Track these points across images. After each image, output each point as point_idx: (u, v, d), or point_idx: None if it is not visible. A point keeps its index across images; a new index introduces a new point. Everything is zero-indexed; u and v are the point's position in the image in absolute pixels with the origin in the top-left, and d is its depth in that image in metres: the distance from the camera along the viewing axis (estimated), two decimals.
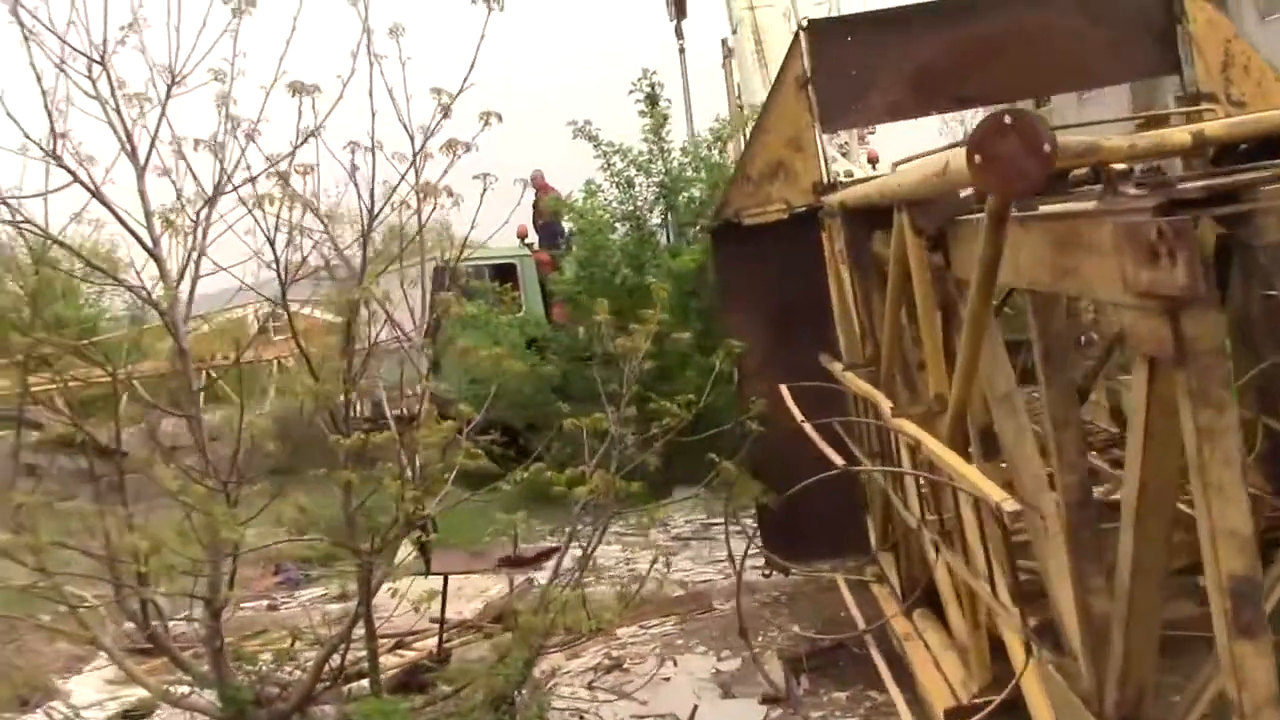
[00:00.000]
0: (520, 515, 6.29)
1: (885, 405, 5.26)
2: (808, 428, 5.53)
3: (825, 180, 7.66)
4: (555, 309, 16.31)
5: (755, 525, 7.78)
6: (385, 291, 6.40)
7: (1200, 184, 2.86)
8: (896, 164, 6.38)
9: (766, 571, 8.03)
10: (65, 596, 5.76)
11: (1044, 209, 3.54)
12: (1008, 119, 3.13)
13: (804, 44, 7.75)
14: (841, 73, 7.66)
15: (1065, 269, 3.41)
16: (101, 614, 6.13)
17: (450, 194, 5.70)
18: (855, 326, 6.69)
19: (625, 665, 7.35)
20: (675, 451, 6.76)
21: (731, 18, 22.08)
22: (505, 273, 15.88)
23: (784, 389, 6.35)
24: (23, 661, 8.69)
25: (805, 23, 7.92)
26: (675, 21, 24.51)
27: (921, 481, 5.02)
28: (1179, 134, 4.54)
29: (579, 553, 6.42)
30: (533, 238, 18.90)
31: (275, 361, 18.63)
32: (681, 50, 24.36)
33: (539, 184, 18.02)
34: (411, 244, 6.36)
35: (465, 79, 5.66)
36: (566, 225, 17.12)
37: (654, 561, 6.57)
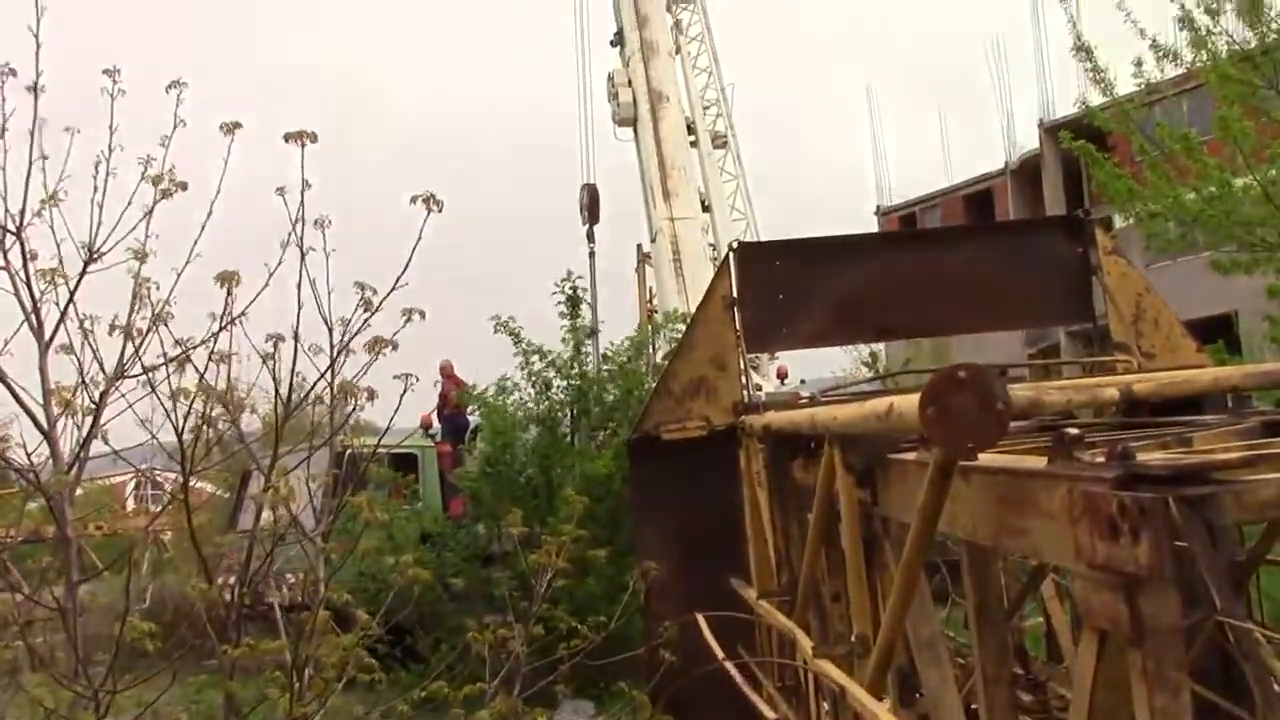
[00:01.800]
0: None
1: (805, 643, 5.08)
2: (729, 666, 5.31)
3: (746, 401, 7.62)
4: (453, 503, 16.02)
5: None
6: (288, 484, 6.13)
7: (1166, 461, 2.81)
8: (826, 393, 6.37)
9: None
10: None
11: (989, 461, 3.48)
12: (963, 374, 3.08)
13: (733, 265, 7.83)
14: (768, 296, 7.74)
15: (1010, 527, 3.32)
16: None
17: (371, 396, 5.51)
18: (769, 552, 6.55)
19: None
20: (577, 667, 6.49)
21: (651, 226, 22.73)
22: (405, 462, 15.60)
23: (700, 619, 6.13)
24: None
25: (735, 244, 8.02)
26: (587, 226, 25.22)
27: None
28: (1109, 390, 4.60)
29: None
30: (436, 428, 18.72)
31: (152, 535, 17.89)
32: (591, 254, 24.96)
33: (447, 374, 17.94)
34: (315, 434, 6.15)
35: (397, 279, 5.53)
36: (472, 419, 16.97)
37: None
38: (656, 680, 6.55)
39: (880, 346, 23.56)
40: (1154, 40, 14.90)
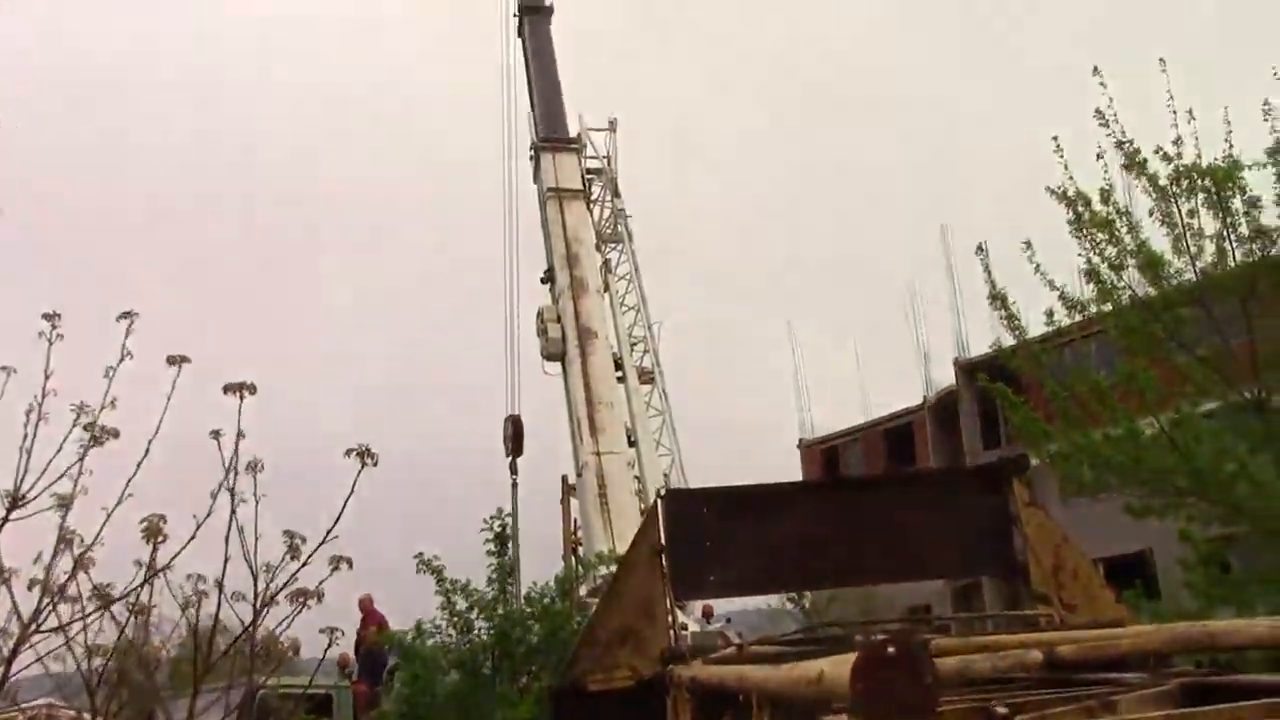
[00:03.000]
0: None
1: None
2: None
3: (674, 650, 7.55)
4: None
5: None
6: None
7: None
8: (754, 644, 6.35)
9: None
10: None
11: None
12: (891, 649, 3.14)
13: (660, 512, 7.88)
14: (695, 544, 7.78)
15: None
16: None
17: (295, 650, 5.42)
18: None
19: None
20: None
21: (577, 461, 22.84)
22: (321, 704, 15.07)
23: None
24: None
25: (663, 492, 8.10)
26: (510, 458, 25.27)
27: None
28: (1034, 653, 4.67)
29: None
30: (353, 666, 18.17)
31: None
32: (514, 485, 24.94)
33: (366, 609, 17.54)
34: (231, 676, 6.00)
35: (328, 532, 5.52)
36: (391, 658, 16.53)
37: None
38: None
39: None
40: (1062, 292, 15.65)
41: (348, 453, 5.61)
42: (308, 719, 12.39)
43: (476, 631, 13.95)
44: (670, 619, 7.77)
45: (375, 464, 5.60)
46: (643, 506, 19.96)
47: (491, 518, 14.80)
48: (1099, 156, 15.44)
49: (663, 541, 7.81)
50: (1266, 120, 14.72)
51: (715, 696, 6.19)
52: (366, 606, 17.32)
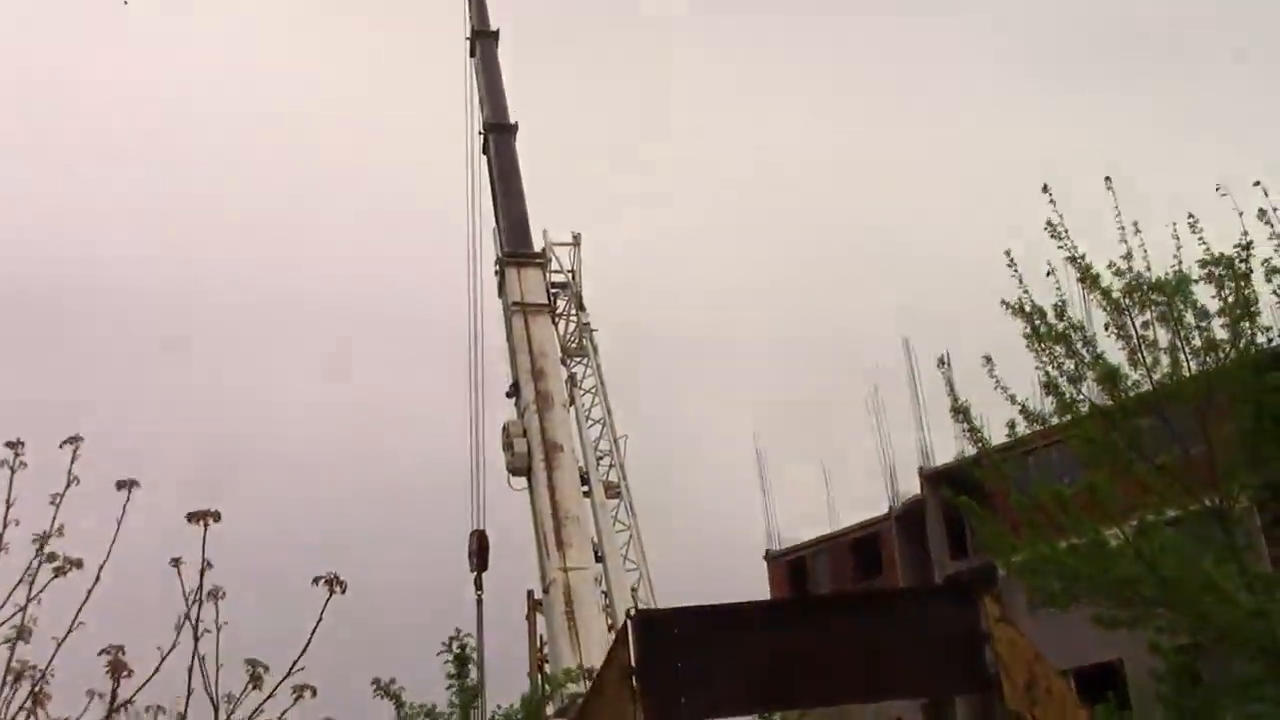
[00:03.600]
0: None
1: None
2: None
3: None
4: None
5: None
6: None
7: None
8: None
9: None
10: None
11: None
12: None
13: (631, 632, 7.81)
14: (667, 665, 7.70)
15: None
16: None
17: None
18: None
19: None
20: None
21: (544, 576, 22.62)
22: None
23: None
24: None
25: (633, 612, 8.04)
26: (475, 573, 24.97)
27: None
28: None
29: None
30: None
31: None
32: (479, 601, 24.60)
33: None
34: None
35: (293, 664, 5.44)
36: None
37: None
38: None
39: None
40: (1024, 406, 15.82)
41: (315, 580, 5.55)
42: None
43: None
44: None
45: (344, 592, 5.55)
46: (611, 623, 19.73)
47: (451, 639, 14.59)
48: (1049, 273, 15.76)
49: (633, 663, 7.74)
50: (1196, 234, 15.06)
51: None
52: None
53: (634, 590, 23.20)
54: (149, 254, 73.31)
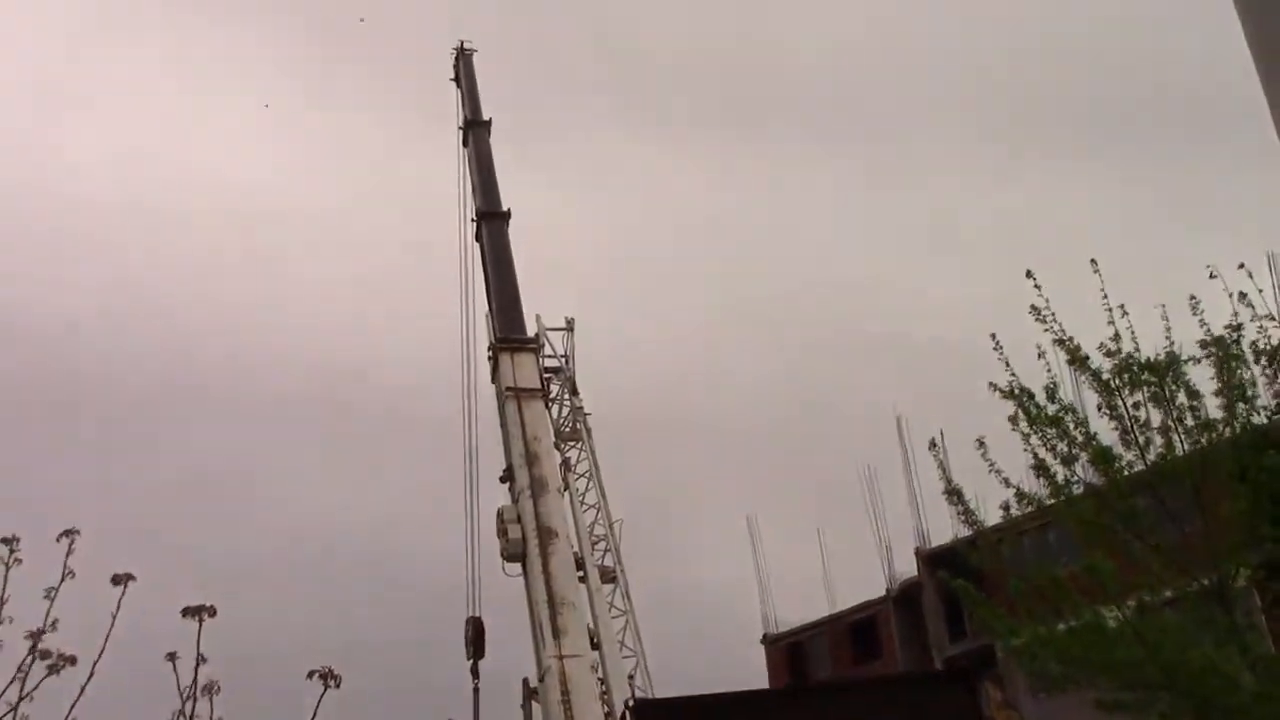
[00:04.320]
0: None
1: None
2: None
3: None
4: None
5: None
6: None
7: None
8: None
9: None
10: None
11: None
12: None
13: None
14: None
15: None
16: None
17: None
18: None
19: None
20: None
21: (539, 665, 22.39)
22: None
23: None
24: None
25: (631, 703, 8.00)
26: (472, 661, 24.74)
27: None
28: None
29: None
30: None
31: None
32: (476, 690, 24.32)
33: None
34: None
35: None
36: None
37: None
38: None
39: None
40: (1018, 488, 15.80)
41: (310, 674, 5.53)
42: None
43: None
44: None
45: (339, 686, 5.52)
46: (608, 711, 19.48)
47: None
48: (1040, 355, 15.81)
49: None
50: (1195, 316, 15.17)
51: None
52: None
53: (630, 677, 22.94)
54: (132, 345, 73.44)
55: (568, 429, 27.52)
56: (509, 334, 27.28)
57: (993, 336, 16.10)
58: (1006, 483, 15.69)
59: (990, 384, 15.97)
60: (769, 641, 46.78)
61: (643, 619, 25.03)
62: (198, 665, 5.55)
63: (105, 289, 73.12)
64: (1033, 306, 15.87)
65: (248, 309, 77.11)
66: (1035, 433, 15.64)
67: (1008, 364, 15.91)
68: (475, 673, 24.42)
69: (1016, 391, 15.84)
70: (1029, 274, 15.96)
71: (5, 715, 5.61)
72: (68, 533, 6.09)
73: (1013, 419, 15.72)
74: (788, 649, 46.36)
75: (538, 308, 28.38)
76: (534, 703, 24.09)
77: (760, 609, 47.20)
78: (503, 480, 25.76)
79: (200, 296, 76.27)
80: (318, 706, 5.54)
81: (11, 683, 5.64)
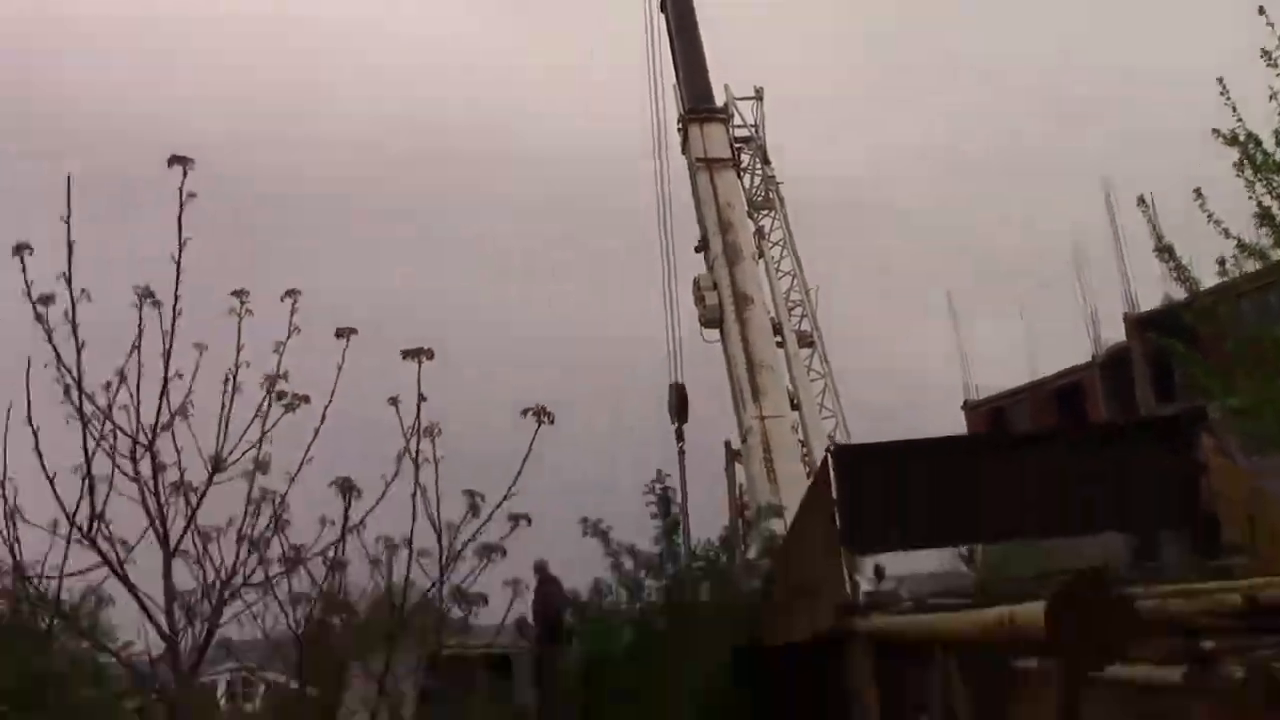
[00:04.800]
0: None
1: None
2: None
3: (851, 604, 7.57)
4: (549, 705, 15.75)
5: None
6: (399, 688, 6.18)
7: None
8: (931, 597, 6.32)
9: None
10: None
11: (1118, 673, 3.43)
12: (1086, 589, 3.09)
13: (831, 469, 7.88)
14: (869, 499, 7.76)
15: None
16: None
17: (484, 601, 5.61)
18: None
19: None
20: None
21: (741, 426, 22.87)
22: (500, 665, 15.47)
23: None
24: None
25: (833, 448, 8.09)
26: (676, 425, 25.41)
27: None
28: (1233, 597, 4.51)
29: None
30: (531, 628, 18.55)
31: None
32: (681, 452, 25.07)
33: (542, 573, 17.88)
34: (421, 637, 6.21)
35: (508, 490, 5.68)
36: (567, 620, 16.84)
37: None
38: None
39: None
40: (1239, 239, 14.91)
41: (524, 412, 5.74)
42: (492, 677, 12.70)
43: (647, 591, 14.11)
44: (845, 574, 7.77)
45: (552, 422, 5.73)
46: (808, 469, 19.85)
47: (653, 481, 14.94)
48: (1272, 97, 14.63)
49: (834, 498, 7.81)
50: None
51: (896, 647, 6.19)
52: (542, 570, 17.64)
53: (830, 438, 23.19)
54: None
55: (760, 198, 27.18)
56: (698, 105, 26.83)
57: (1219, 80, 14.97)
58: (1226, 233, 14.82)
59: (1213, 130, 14.94)
60: (970, 408, 46.40)
61: (840, 386, 25.11)
62: (419, 405, 5.83)
63: None
64: (1263, 50, 14.63)
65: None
66: (1260, 180, 14.63)
67: (1234, 109, 14.81)
68: (680, 436, 25.09)
69: (1242, 138, 14.78)
70: (1261, 10, 14.67)
71: (248, 451, 6.02)
72: (291, 293, 6.36)
73: (1238, 164, 14.71)
74: (989, 414, 45.92)
75: (725, 77, 27.72)
76: (736, 464, 24.74)
77: (961, 378, 46.71)
78: (698, 250, 25.85)
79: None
80: (532, 441, 5.76)
81: (252, 421, 6.04)
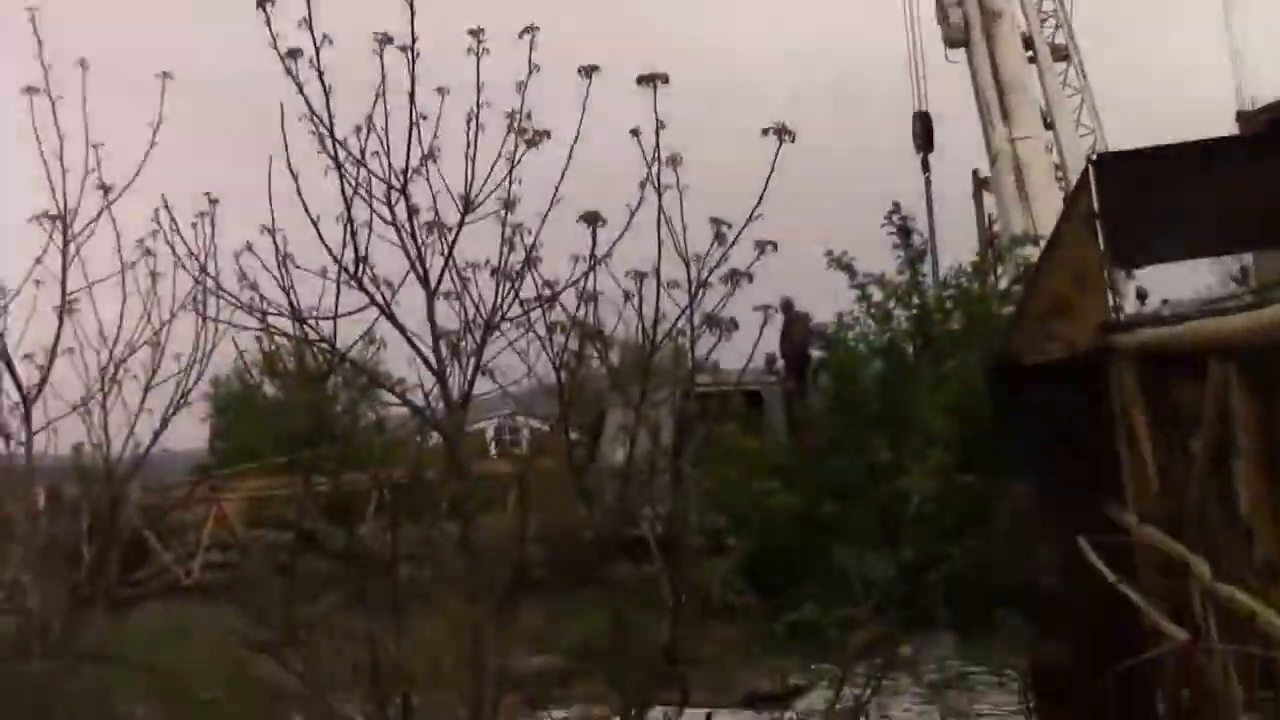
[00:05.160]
0: (791, 658, 6.05)
1: (1203, 569, 4.82)
2: (1129, 592, 5.11)
3: (1115, 320, 7.24)
4: (800, 437, 16.11)
5: (1026, 683, 7.28)
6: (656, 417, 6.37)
7: None
8: (1205, 308, 5.97)
9: None
10: (328, 705, 5.84)
11: None
12: None
13: (1093, 178, 7.42)
14: (1135, 208, 7.30)
15: None
16: None
17: (734, 326, 5.64)
18: (1149, 476, 6.22)
19: None
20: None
21: (990, 150, 21.90)
22: (751, 399, 15.80)
23: (1083, 543, 5.92)
24: None
25: (1095, 157, 7.60)
26: (921, 154, 24.58)
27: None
28: None
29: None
30: (779, 364, 18.84)
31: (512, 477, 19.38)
32: (927, 182, 24.32)
33: (787, 310, 18.00)
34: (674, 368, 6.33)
35: (753, 210, 5.60)
36: (814, 354, 16.99)
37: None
38: (1036, 607, 6.39)
39: (1249, 260, 21.77)
40: None
41: (764, 131, 5.60)
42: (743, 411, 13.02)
43: (895, 321, 14.04)
44: (1108, 287, 7.41)
45: (793, 140, 5.57)
46: (1063, 189, 18.94)
47: (891, 212, 14.62)
48: None
49: (1096, 207, 7.37)
50: None
51: (1165, 362, 5.91)
52: (788, 307, 17.74)
53: (1087, 157, 21.96)
54: None
55: None
56: None
57: None
58: None
59: None
60: (1246, 118, 42.89)
61: (1099, 100, 23.50)
62: (658, 130, 5.75)
63: None
64: None
65: None
66: None
67: None
68: (925, 166, 24.32)
69: None
70: None
71: (496, 189, 6.10)
72: (528, 29, 6.27)
73: None
74: (1271, 125, 42.36)
75: None
76: (984, 192, 23.88)
77: (1234, 87, 43.03)
78: None
79: None
80: (774, 162, 5.63)
81: (497, 160, 6.11)
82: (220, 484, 23.95)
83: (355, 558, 6.56)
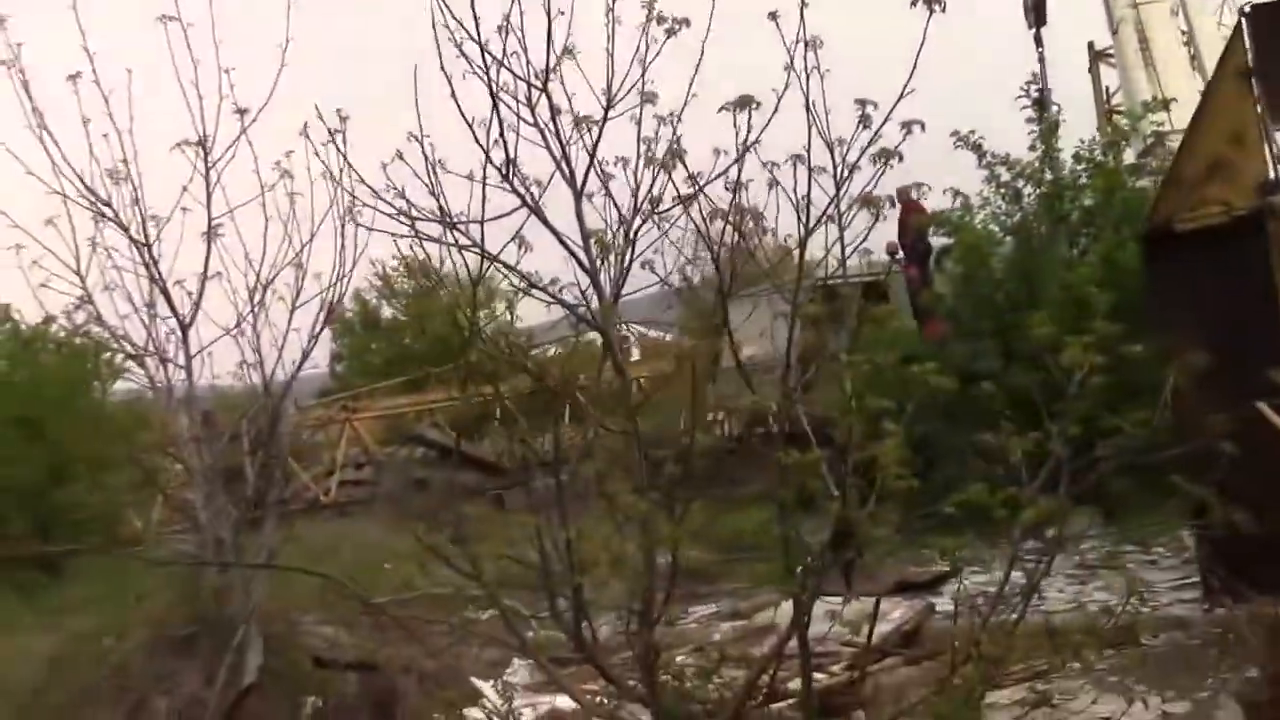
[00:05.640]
0: (961, 541, 6.01)
1: None
2: None
3: (1275, 180, 6.99)
4: (927, 327, 15.89)
5: (1197, 554, 7.18)
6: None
7: None
8: None
9: (1206, 605, 7.37)
10: (499, 604, 5.99)
11: None
12: None
13: (1246, 32, 7.12)
14: None
15: None
16: (531, 622, 6.34)
17: (892, 203, 5.56)
18: None
19: (1054, 702, 6.91)
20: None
21: (1112, 18, 21.00)
22: (875, 290, 15.59)
23: (1262, 407, 5.79)
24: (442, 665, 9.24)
25: (1248, 9, 7.28)
26: (1034, 29, 23.64)
27: None
28: None
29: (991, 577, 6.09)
30: (900, 255, 18.55)
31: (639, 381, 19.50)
32: (1041, 58, 23.42)
33: (906, 200, 17.65)
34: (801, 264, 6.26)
35: (904, 86, 5.47)
36: (936, 242, 16.69)
37: (1131, 594, 6.02)
38: (1210, 475, 6.24)
39: None
40: None
41: (913, 2, 5.43)
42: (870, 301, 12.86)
43: (1026, 200, 13.69)
44: (1266, 146, 7.15)
45: (944, 10, 5.40)
46: (1193, 53, 18.15)
47: (1026, 83, 14.16)
48: None
49: (1251, 63, 7.08)
50: None
51: None
52: (906, 197, 17.42)
53: (1217, 20, 20.99)
54: None
55: None
56: None
57: None
58: None
59: None
60: None
61: None
62: (803, 7, 5.62)
63: None
64: None
65: None
66: None
67: None
68: (1039, 41, 23.46)
69: None
70: None
71: (635, 85, 6.03)
72: None
73: None
74: None
75: None
76: (1101, 64, 23.04)
77: None
78: None
79: None
80: (925, 30, 5.48)
81: (636, 54, 6.02)
82: (352, 404, 24.54)
83: (502, 467, 6.69)
